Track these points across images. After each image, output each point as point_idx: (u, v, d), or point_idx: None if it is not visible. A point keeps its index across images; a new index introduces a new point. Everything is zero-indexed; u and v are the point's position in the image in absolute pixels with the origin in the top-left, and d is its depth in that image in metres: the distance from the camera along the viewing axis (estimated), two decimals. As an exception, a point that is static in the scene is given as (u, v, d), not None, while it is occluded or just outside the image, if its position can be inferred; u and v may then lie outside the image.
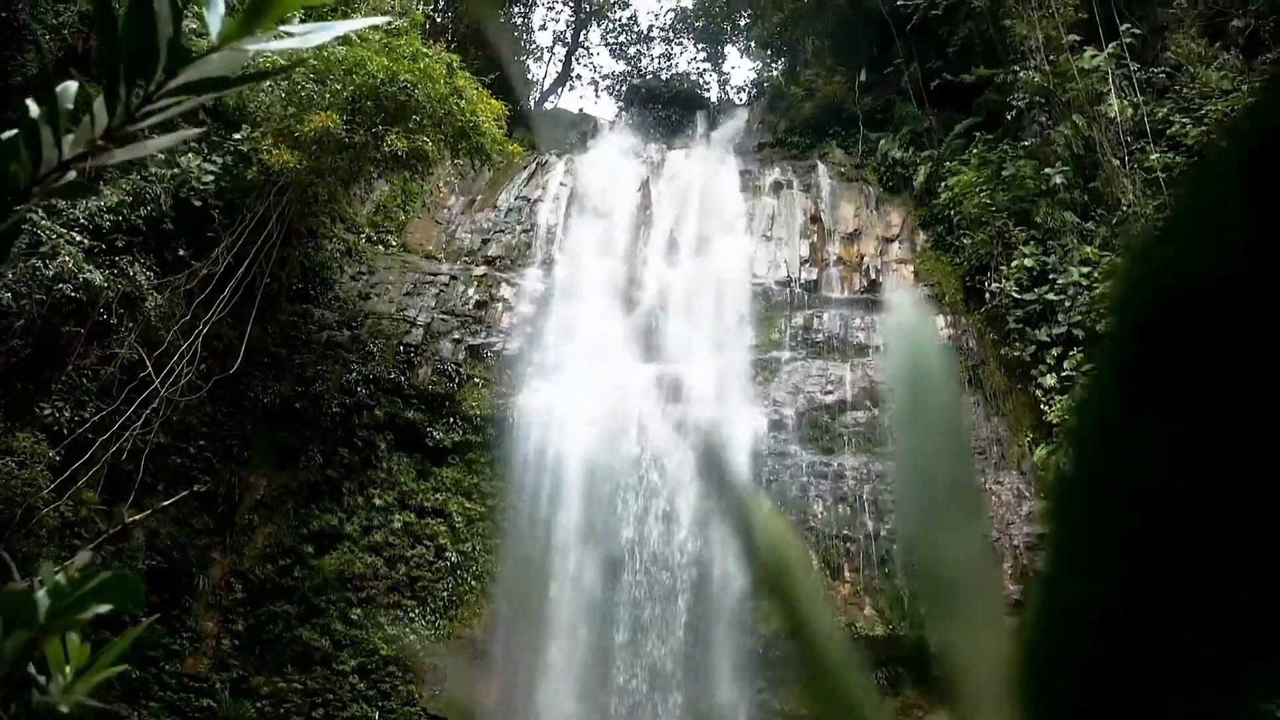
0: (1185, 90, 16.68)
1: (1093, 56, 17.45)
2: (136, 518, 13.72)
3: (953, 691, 0.44)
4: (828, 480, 16.19)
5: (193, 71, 0.85)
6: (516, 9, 31.05)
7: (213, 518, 15.65)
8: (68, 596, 0.96)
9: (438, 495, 16.69)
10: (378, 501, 16.47)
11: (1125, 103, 16.83)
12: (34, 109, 0.84)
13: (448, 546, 16.22)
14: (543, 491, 16.33)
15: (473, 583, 16.02)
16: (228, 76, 0.90)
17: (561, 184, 21.93)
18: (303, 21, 0.94)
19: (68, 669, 1.26)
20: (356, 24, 0.92)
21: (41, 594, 0.99)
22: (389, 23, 15.29)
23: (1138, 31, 17.71)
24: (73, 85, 0.92)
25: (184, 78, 0.85)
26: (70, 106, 0.92)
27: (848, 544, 15.57)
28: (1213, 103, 15.50)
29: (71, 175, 0.93)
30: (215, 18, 0.84)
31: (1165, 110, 16.55)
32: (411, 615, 15.60)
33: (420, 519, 16.46)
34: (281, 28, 0.81)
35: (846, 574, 15.43)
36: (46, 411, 13.54)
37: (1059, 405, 14.93)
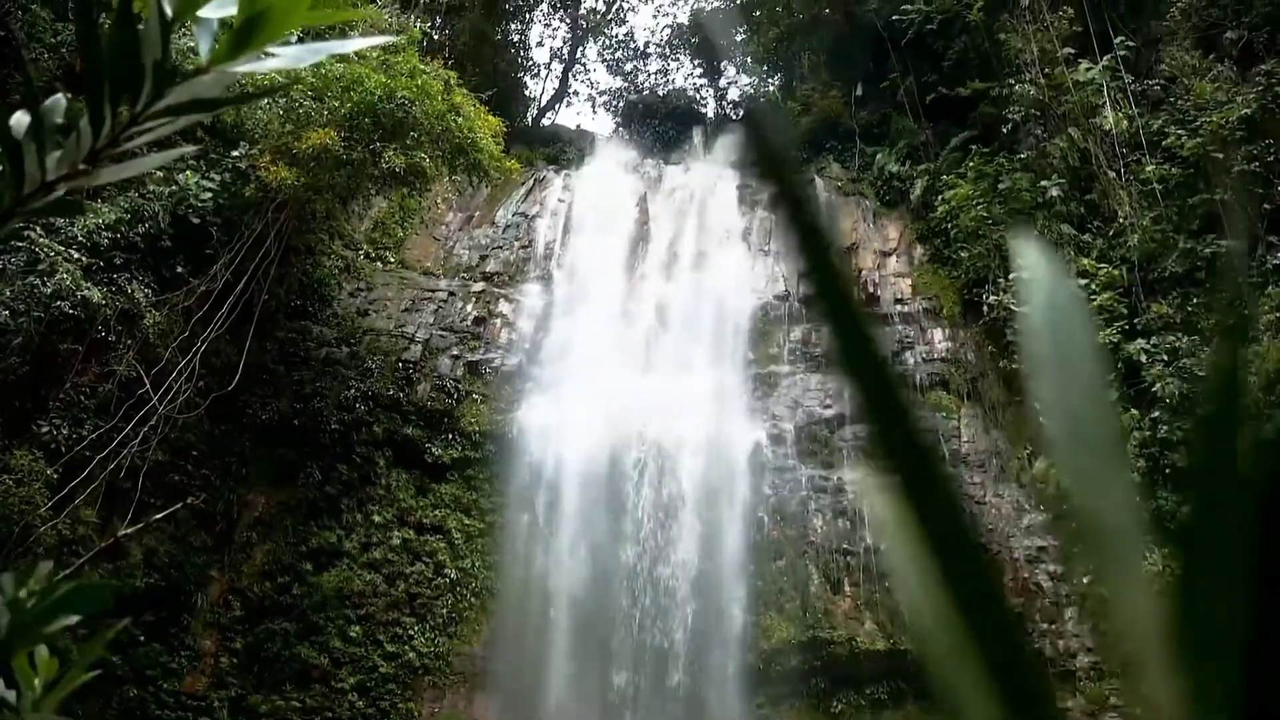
0: (1180, 102, 16.74)
1: (1087, 69, 17.53)
2: (128, 530, 13.67)
3: (1117, 647, 0.44)
4: (828, 494, 16.17)
5: (181, 92, 0.85)
6: (513, 26, 31.18)
7: (211, 535, 15.60)
8: (29, 611, 0.94)
9: (437, 512, 16.65)
10: (376, 518, 16.42)
11: (1120, 115, 16.90)
12: (17, 126, 0.83)
13: (447, 563, 16.16)
14: (541, 507, 16.30)
15: (472, 599, 15.96)
16: (217, 98, 0.90)
17: (560, 200, 21.97)
18: (300, 41, 0.93)
19: (37, 682, 1.25)
20: (345, 46, 0.91)
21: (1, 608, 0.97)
22: (385, 42, 15.32)
23: (1132, 44, 17.79)
24: (61, 100, 0.91)
25: (171, 98, 0.85)
26: (60, 120, 0.91)
27: (848, 558, 15.54)
28: (1207, 114, 15.55)
29: (60, 192, 0.92)
30: (206, 38, 0.84)
31: (1160, 122, 16.61)
32: (411, 632, 15.53)
33: (419, 536, 16.41)
34: (269, 48, 0.81)
35: (847, 588, 15.40)
36: (44, 429, 13.52)
37: (1058, 417, 14.89)
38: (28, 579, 0.99)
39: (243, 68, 0.81)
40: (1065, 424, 0.48)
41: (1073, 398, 0.49)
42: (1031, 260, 0.55)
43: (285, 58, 0.82)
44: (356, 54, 15.41)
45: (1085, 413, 0.48)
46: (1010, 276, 16.81)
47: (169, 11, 0.80)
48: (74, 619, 0.93)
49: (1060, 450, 0.48)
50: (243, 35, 0.78)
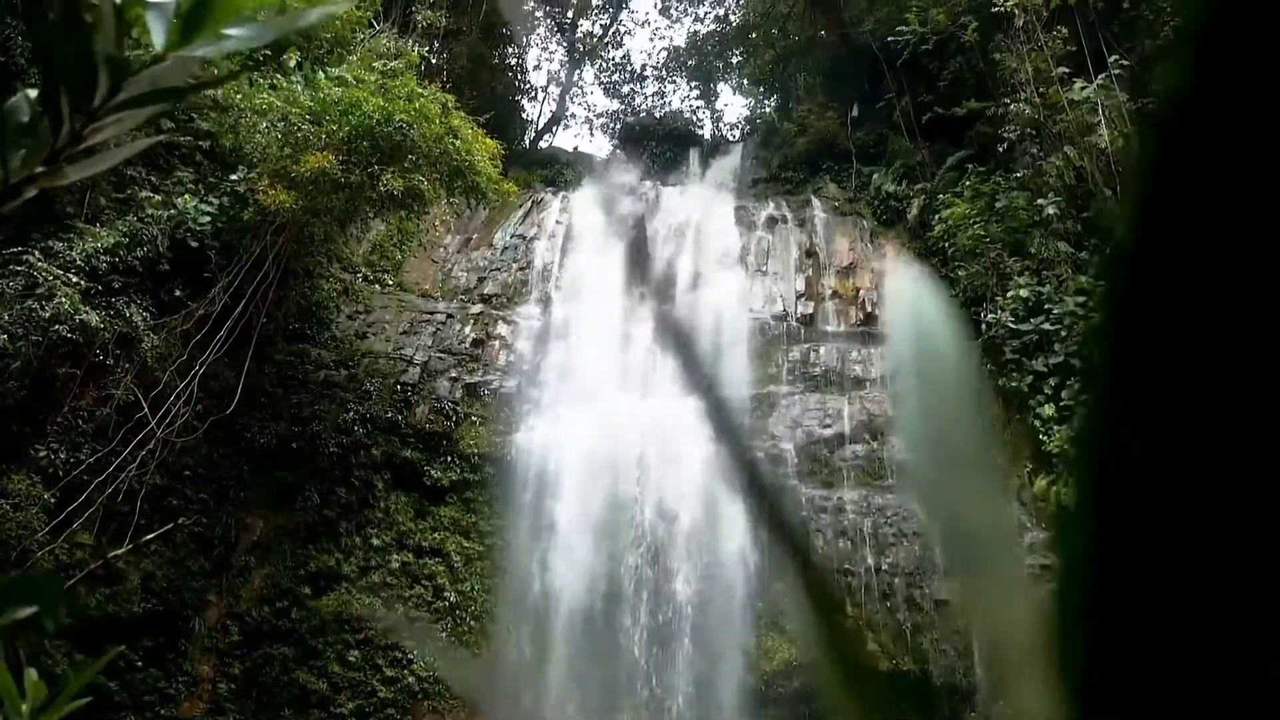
0: (1175, 120, 16.76)
1: (1082, 88, 17.61)
2: (119, 552, 13.62)
3: (987, 657, 0.43)
4: (828, 514, 16.09)
5: (139, 83, 0.84)
6: (511, 49, 31.39)
7: (209, 559, 15.51)
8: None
9: (436, 535, 16.58)
10: (375, 541, 16.35)
11: (1115, 133, 16.97)
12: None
13: (446, 586, 16.08)
14: (541, 528, 16.23)
15: (472, 623, 15.87)
16: (179, 86, 0.89)
17: (557, 222, 22.03)
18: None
19: (24, 707, 1.23)
20: (303, 18, 0.90)
21: None
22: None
23: (1126, 63, 17.88)
24: (24, 99, 0.90)
25: (130, 90, 0.84)
26: (26, 119, 0.90)
27: (849, 578, 15.45)
28: (1202, 132, 15.58)
29: (29, 193, 0.92)
30: (160, 25, 0.83)
31: (1156, 140, 16.65)
32: (410, 656, 15.42)
33: (418, 559, 16.33)
34: (227, 29, 0.80)
35: (849, 609, 15.31)
36: (42, 453, 13.48)
37: (1058, 435, 14.89)
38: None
39: (200, 51, 0.81)
40: (928, 446, 0.48)
41: (936, 419, 0.48)
42: (900, 280, 0.55)
43: (243, 37, 0.81)
44: (355, 78, 15.49)
45: (950, 434, 0.48)
46: (1008, 295, 16.84)
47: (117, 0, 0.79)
48: (25, 612, 0.92)
49: (921, 471, 0.48)
50: (194, 18, 0.77)
